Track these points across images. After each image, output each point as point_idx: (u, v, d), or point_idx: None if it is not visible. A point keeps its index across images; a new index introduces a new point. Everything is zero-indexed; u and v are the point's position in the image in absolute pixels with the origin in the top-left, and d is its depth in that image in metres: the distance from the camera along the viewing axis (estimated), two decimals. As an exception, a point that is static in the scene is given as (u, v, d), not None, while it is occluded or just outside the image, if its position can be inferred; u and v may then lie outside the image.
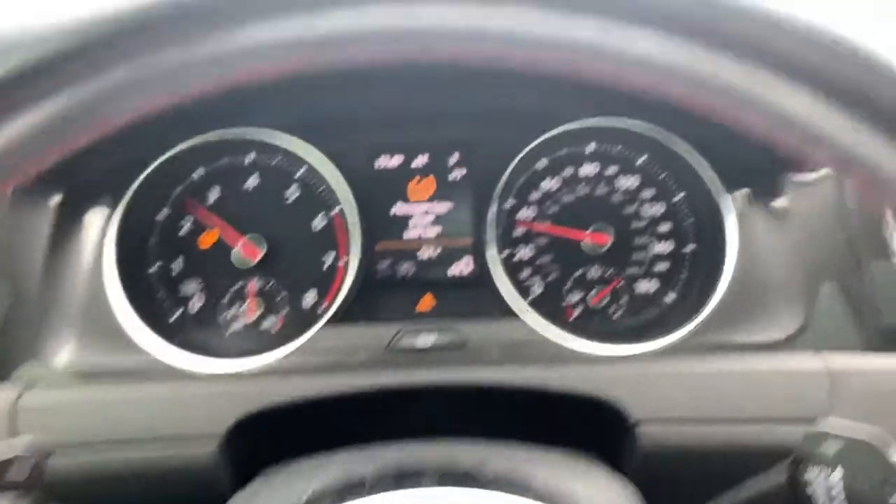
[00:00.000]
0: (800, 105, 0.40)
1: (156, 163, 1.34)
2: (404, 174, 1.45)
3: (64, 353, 1.20)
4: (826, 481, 0.79)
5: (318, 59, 0.42)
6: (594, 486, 0.89)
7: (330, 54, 0.42)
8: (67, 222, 1.27)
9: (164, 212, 1.39)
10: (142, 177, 1.33)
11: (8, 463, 0.68)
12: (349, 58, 0.42)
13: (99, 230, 1.29)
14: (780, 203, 1.27)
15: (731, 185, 1.32)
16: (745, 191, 1.31)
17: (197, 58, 0.40)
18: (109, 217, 1.30)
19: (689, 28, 0.39)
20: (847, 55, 0.38)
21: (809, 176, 1.26)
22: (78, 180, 1.27)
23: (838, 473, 0.80)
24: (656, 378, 1.14)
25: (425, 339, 1.25)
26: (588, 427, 1.18)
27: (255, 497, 0.92)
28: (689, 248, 1.40)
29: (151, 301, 1.36)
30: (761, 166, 1.30)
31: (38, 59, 0.38)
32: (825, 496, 0.79)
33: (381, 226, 1.44)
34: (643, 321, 1.38)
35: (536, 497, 0.72)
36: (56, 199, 1.25)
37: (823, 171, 1.25)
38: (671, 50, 0.40)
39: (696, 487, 1.07)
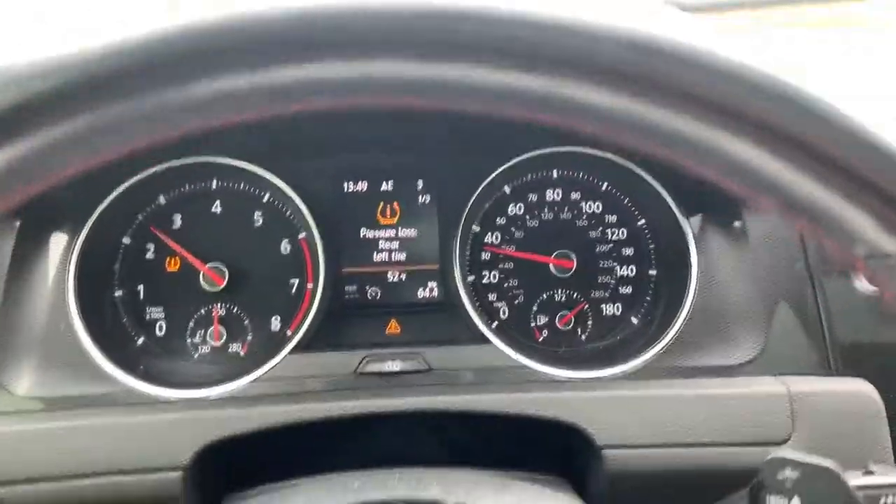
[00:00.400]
0: (744, 154, 0.41)
1: (119, 189, 1.33)
2: (370, 200, 1.46)
3: (24, 381, 1.18)
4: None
5: (273, 110, 0.43)
6: None
7: (283, 105, 0.42)
8: (27, 247, 1.25)
9: (128, 237, 1.38)
10: (105, 202, 1.31)
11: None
12: (303, 107, 0.43)
13: (61, 255, 1.27)
14: (738, 227, 1.30)
15: (690, 210, 1.35)
16: (703, 215, 1.34)
17: (158, 109, 0.41)
18: (72, 242, 1.27)
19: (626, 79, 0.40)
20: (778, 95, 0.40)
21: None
22: (39, 205, 1.25)
23: (797, 501, 0.82)
24: (621, 402, 1.14)
25: (392, 365, 1.25)
26: (554, 451, 1.19)
27: None
28: (652, 271, 1.43)
29: (116, 326, 1.34)
30: (718, 191, 1.33)
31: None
32: (785, 520, 0.81)
33: (347, 251, 1.44)
34: (608, 345, 1.40)
35: None
36: (15, 224, 1.23)
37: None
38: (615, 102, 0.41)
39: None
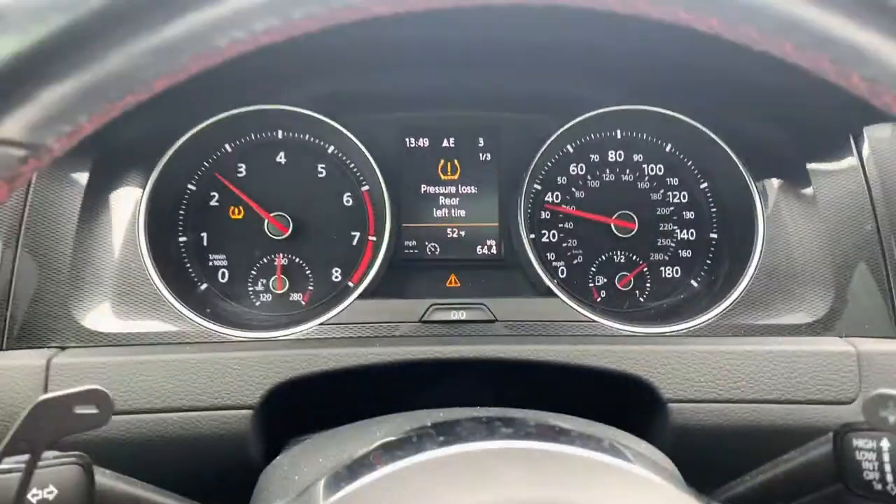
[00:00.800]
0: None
1: (185, 136, 1.34)
2: (432, 156, 1.47)
3: (100, 318, 1.19)
4: (877, 446, 0.81)
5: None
6: (638, 445, 0.90)
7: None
8: (99, 192, 1.26)
9: (193, 184, 1.39)
10: (172, 149, 1.33)
11: (84, 393, 0.68)
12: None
13: (129, 202, 1.29)
14: (806, 191, 1.29)
15: (758, 174, 1.34)
16: (772, 179, 1.33)
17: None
18: (142, 187, 1.29)
19: None
20: None
21: (835, 164, 1.28)
22: (107, 151, 1.27)
23: (887, 442, 0.82)
24: (687, 358, 1.15)
25: (458, 314, 1.25)
26: (619, 404, 1.20)
27: (298, 461, 0.91)
28: (713, 235, 1.43)
29: (182, 271, 1.35)
30: (788, 154, 1.33)
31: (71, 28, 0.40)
32: (875, 460, 0.81)
33: (408, 205, 1.45)
34: (670, 304, 1.40)
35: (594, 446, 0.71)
36: (87, 169, 1.25)
37: (850, 158, 1.28)
38: None
39: (726, 462, 1.08)
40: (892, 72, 0.43)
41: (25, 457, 0.69)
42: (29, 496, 0.76)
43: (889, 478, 0.81)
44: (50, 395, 0.67)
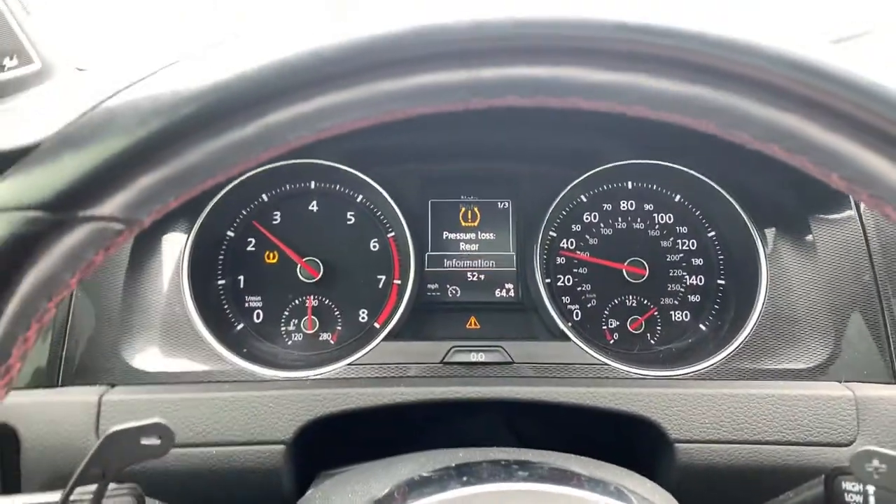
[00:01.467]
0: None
1: (226, 188, 1.44)
2: (454, 205, 1.56)
3: (146, 359, 1.29)
4: (864, 489, 0.88)
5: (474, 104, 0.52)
6: (644, 486, 0.96)
7: (484, 99, 0.52)
8: (146, 240, 1.37)
9: (232, 231, 1.50)
10: (214, 200, 1.43)
11: (150, 427, 0.76)
12: (499, 103, 0.53)
13: (174, 249, 1.39)
14: (808, 240, 1.36)
15: (761, 224, 1.42)
16: (774, 228, 1.41)
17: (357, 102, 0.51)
18: (186, 235, 1.39)
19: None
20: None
21: (836, 215, 1.36)
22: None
23: (873, 486, 0.89)
24: (693, 400, 1.22)
25: (476, 356, 1.34)
26: (629, 444, 1.26)
27: (331, 493, 0.99)
28: (720, 281, 1.50)
29: (220, 312, 1.45)
30: (790, 205, 1.40)
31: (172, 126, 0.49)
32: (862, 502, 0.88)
33: (431, 251, 1.54)
34: (680, 347, 1.48)
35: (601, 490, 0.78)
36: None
37: (848, 211, 1.35)
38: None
39: (728, 501, 1.15)
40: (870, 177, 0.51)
41: (93, 487, 0.78)
42: (91, 524, 0.85)
43: (875, 519, 0.87)
44: (120, 426, 0.76)
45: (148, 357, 1.30)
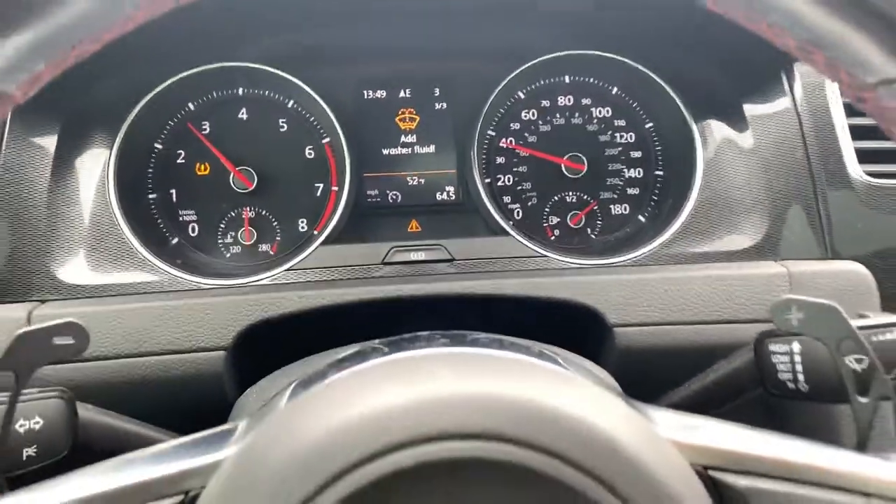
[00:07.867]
0: None
1: (148, 96, 1.38)
2: (390, 107, 1.52)
3: (73, 271, 1.25)
4: (790, 349, 0.90)
5: None
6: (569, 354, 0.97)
7: None
8: (69, 149, 1.31)
9: (160, 143, 1.44)
10: (137, 108, 1.37)
11: (62, 326, 0.74)
12: None
13: (98, 161, 1.34)
14: (744, 129, 1.36)
15: (698, 114, 1.41)
16: (711, 119, 1.40)
17: None
18: (109, 146, 1.34)
19: None
20: None
21: (771, 104, 1.36)
22: (74, 114, 1.31)
23: (798, 345, 0.91)
24: (630, 285, 1.23)
25: (417, 255, 1.32)
26: (572, 334, 1.28)
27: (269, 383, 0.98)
28: (658, 172, 1.50)
29: (153, 227, 1.41)
30: (725, 93, 1.40)
31: None
32: (788, 362, 0.90)
33: (368, 156, 1.51)
34: (618, 238, 1.49)
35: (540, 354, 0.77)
36: (54, 134, 1.29)
37: (785, 103, 1.35)
38: None
39: (665, 379, 1.17)
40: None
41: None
42: (17, 426, 0.83)
43: (800, 377, 0.90)
44: (29, 328, 0.74)
45: (78, 271, 1.26)
